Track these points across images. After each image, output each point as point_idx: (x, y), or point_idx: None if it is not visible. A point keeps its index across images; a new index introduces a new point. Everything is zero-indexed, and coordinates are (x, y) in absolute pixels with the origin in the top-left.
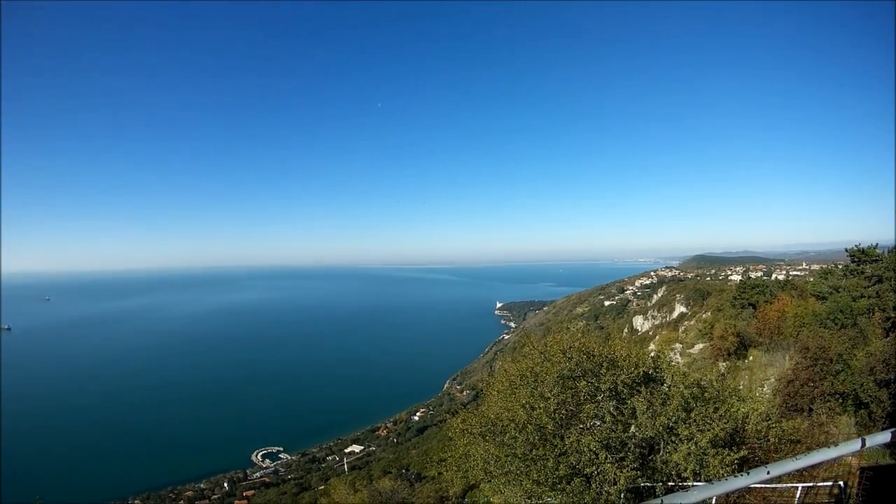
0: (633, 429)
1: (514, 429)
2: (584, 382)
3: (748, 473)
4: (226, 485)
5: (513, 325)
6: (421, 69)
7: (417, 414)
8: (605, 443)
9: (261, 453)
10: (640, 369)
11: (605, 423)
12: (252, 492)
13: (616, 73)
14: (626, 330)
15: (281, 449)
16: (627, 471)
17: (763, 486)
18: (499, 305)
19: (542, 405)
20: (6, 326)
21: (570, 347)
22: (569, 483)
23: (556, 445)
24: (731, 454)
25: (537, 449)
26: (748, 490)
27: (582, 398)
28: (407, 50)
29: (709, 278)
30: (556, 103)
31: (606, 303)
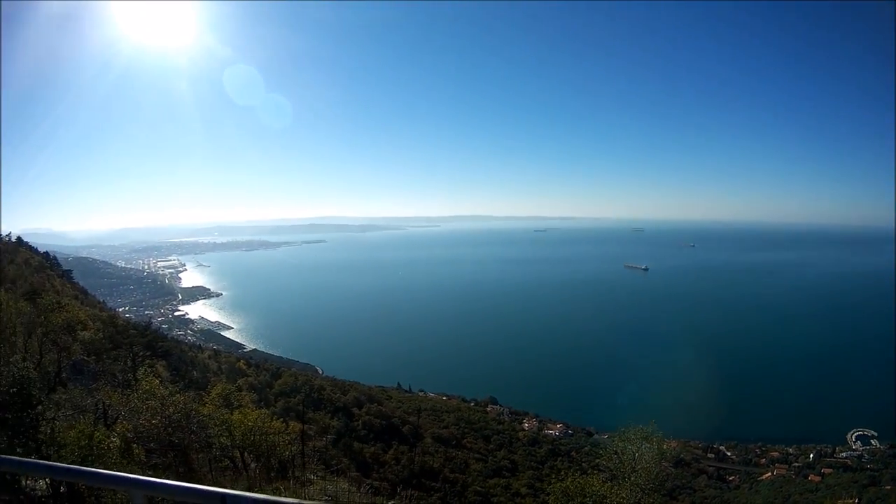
0: None
1: None
2: None
3: None
4: (811, 456)
5: None
6: None
7: None
8: None
9: (855, 434)
10: None
11: None
12: (830, 470)
13: None
14: None
15: (874, 434)
16: None
17: None
18: None
19: None
20: (644, 267)
21: None
22: None
23: None
24: None
25: None
26: None
27: None
28: None
29: None
30: None
31: None
